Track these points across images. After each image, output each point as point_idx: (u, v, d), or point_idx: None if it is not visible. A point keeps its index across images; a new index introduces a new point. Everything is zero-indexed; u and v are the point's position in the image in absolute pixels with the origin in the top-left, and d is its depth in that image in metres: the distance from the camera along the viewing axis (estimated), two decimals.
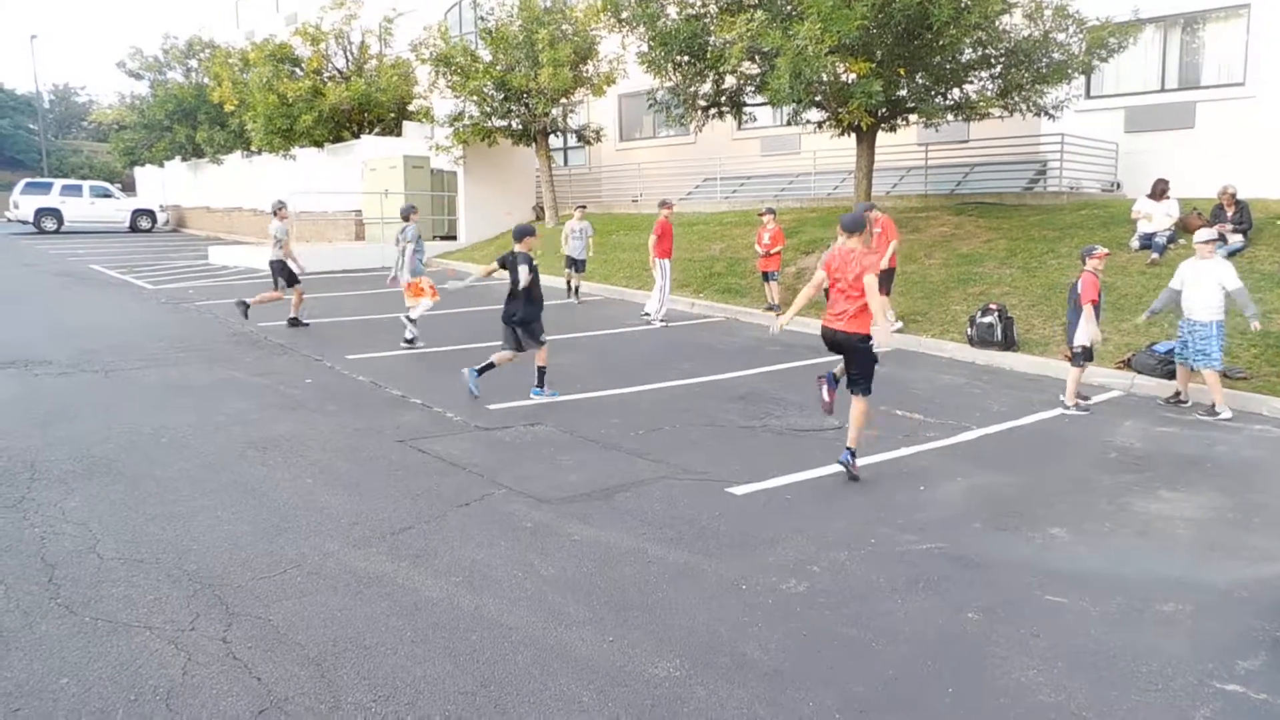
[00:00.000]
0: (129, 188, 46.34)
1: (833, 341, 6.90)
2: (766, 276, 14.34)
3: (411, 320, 11.54)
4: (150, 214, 37.20)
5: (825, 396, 7.14)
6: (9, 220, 35.40)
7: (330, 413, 8.28)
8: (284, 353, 11.08)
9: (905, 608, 4.61)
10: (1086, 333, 8.67)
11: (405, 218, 12.05)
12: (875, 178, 16.10)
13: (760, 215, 14.55)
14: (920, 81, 14.09)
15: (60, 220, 34.43)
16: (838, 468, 6.70)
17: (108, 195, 36.84)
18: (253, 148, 30.61)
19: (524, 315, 8.68)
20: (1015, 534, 5.67)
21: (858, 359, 6.81)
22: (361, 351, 10.91)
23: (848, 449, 6.72)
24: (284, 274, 12.95)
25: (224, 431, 7.62)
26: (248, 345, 11.68)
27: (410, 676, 3.83)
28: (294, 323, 13.05)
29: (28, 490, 6.03)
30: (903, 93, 14.25)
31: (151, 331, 11.87)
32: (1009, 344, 11.11)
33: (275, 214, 13.11)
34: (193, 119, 37.04)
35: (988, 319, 11.26)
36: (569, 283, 16.26)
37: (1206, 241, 8.88)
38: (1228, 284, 8.69)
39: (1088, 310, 8.59)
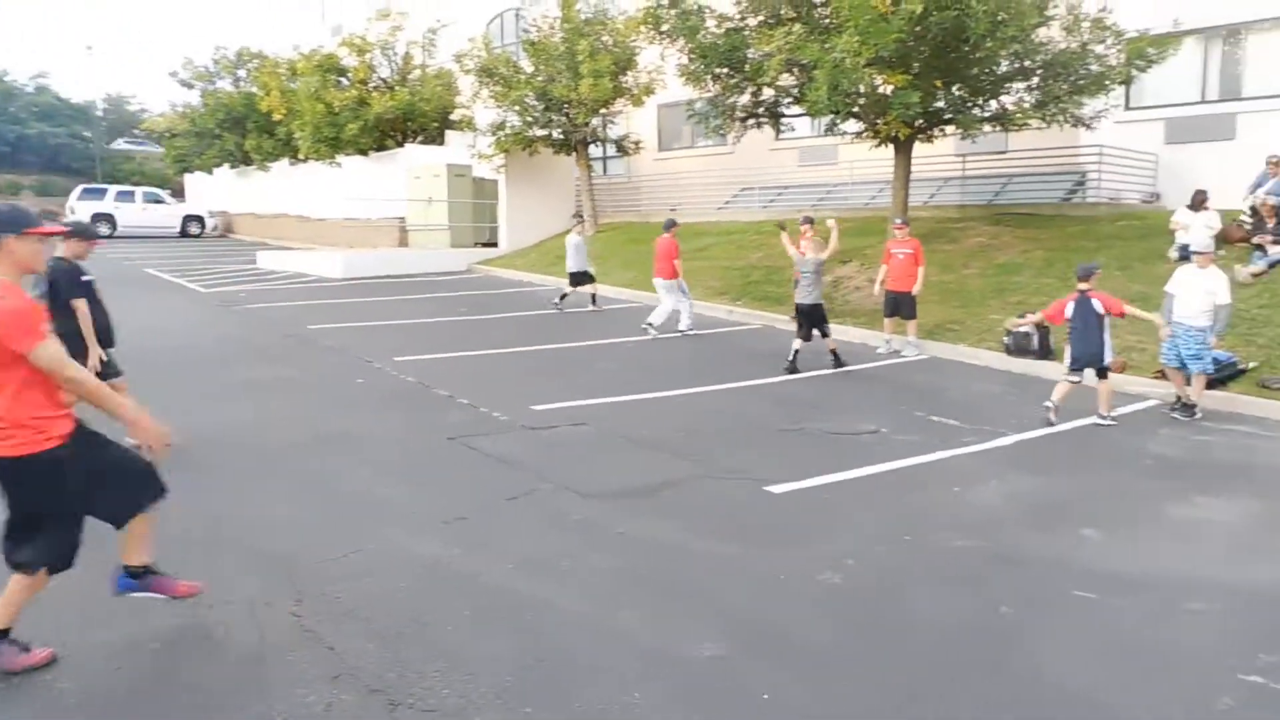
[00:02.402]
0: (179, 194, 47.42)
1: None
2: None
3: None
4: (200, 219, 38.00)
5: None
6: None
7: (382, 411, 8.60)
8: (334, 354, 11.45)
9: (940, 600, 4.80)
10: (1111, 347, 8.91)
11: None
12: (912, 188, 16.22)
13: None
14: (957, 93, 14.19)
15: (114, 225, 35.22)
16: (874, 469, 6.88)
17: (159, 201, 37.74)
18: (300, 155, 31.31)
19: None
20: (1051, 534, 5.83)
21: (20, 498, 3.73)
22: (407, 353, 11.24)
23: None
24: None
25: (285, 426, 7.98)
26: (300, 346, 12.08)
27: (471, 651, 4.09)
28: None
29: None
30: (940, 104, 14.35)
31: (209, 333, 12.32)
32: (1045, 353, 11.19)
33: None
34: (242, 127, 37.90)
35: (1024, 328, 11.35)
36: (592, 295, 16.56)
37: (1203, 254, 9.36)
38: (1219, 298, 9.04)
39: (1108, 324, 8.81)
